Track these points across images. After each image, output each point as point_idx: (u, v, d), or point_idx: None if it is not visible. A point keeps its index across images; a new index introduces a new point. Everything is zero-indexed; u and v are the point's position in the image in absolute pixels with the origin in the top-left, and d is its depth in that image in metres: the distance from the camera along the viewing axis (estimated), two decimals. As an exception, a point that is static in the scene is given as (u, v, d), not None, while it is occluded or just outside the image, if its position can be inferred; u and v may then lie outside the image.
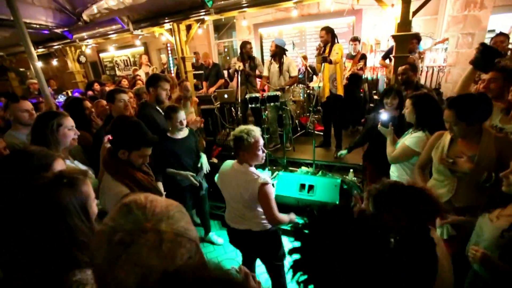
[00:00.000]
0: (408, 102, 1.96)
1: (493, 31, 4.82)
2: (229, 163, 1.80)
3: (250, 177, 1.64)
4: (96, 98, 3.41)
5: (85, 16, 4.48)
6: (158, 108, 2.47)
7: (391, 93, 2.35)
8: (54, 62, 7.50)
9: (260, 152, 1.68)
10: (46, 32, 4.77)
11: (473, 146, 1.52)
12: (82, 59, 6.01)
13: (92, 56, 8.25)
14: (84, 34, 4.93)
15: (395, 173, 2.13)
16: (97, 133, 2.20)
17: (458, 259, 1.45)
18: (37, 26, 4.39)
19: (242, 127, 1.67)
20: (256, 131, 1.66)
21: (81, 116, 2.33)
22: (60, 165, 1.16)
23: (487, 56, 1.61)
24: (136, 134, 1.48)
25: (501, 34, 3.38)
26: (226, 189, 1.79)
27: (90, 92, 4.47)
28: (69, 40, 5.18)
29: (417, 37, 4.00)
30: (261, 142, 1.68)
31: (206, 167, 2.56)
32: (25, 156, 1.10)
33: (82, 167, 1.73)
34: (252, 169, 1.69)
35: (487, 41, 4.52)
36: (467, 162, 1.47)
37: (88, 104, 2.50)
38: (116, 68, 8.52)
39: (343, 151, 3.05)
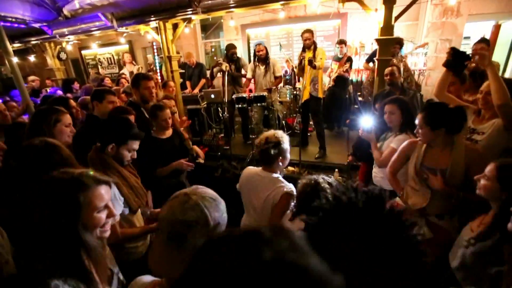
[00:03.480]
0: (393, 107, 1.97)
1: (468, 37, 5.08)
2: (252, 171, 1.76)
3: (279, 184, 1.62)
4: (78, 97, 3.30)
5: (66, 11, 4.32)
6: (142, 109, 2.43)
7: (377, 98, 2.39)
8: (32, 58, 7.16)
9: (288, 156, 1.68)
10: (23, 26, 4.55)
11: (446, 157, 1.56)
12: (63, 55, 5.77)
13: (73, 53, 7.94)
14: (65, 30, 4.74)
15: (379, 174, 2.18)
16: (78, 132, 2.12)
17: (437, 262, 1.52)
18: (13, 19, 4.18)
19: (270, 133, 1.65)
20: (285, 136, 1.66)
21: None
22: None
23: (458, 59, 1.72)
24: (122, 127, 1.52)
25: (482, 41, 3.43)
26: (249, 197, 1.74)
27: (69, 95, 4.16)
28: (48, 36, 4.96)
29: (399, 42, 4.15)
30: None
31: (201, 154, 2.63)
32: (53, 149, 1.15)
33: None
34: (280, 176, 1.67)
35: (463, 47, 4.74)
36: (439, 181, 1.51)
37: (73, 103, 2.43)
38: (99, 66, 8.25)
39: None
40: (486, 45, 3.44)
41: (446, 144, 1.56)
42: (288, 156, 1.69)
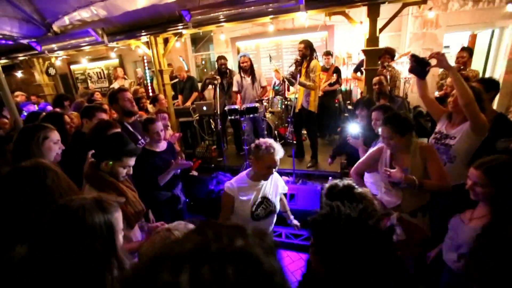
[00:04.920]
0: (379, 114, 2.06)
1: (448, 47, 5.34)
2: None
3: None
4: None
5: (55, 27, 4.30)
6: (126, 124, 2.37)
7: (358, 105, 2.59)
8: (19, 74, 7.05)
9: (266, 170, 1.67)
10: (10, 42, 4.50)
11: (407, 157, 1.71)
12: (52, 71, 5.71)
13: (62, 68, 7.87)
14: (54, 46, 4.71)
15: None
16: (67, 149, 2.08)
17: (420, 262, 1.61)
18: (0, 36, 4.13)
19: (269, 140, 1.71)
20: (278, 149, 1.66)
21: (61, 132, 2.20)
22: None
23: (420, 65, 1.84)
24: (116, 145, 1.48)
25: (463, 49, 3.63)
26: None
27: (57, 109, 4.06)
28: (36, 52, 4.92)
29: (390, 53, 4.11)
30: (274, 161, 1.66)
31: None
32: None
33: None
34: (241, 175, 1.78)
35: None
36: (399, 172, 1.62)
37: (67, 118, 2.39)
38: (89, 81, 8.19)
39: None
40: (468, 53, 3.62)
41: (405, 147, 1.71)
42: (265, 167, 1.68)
